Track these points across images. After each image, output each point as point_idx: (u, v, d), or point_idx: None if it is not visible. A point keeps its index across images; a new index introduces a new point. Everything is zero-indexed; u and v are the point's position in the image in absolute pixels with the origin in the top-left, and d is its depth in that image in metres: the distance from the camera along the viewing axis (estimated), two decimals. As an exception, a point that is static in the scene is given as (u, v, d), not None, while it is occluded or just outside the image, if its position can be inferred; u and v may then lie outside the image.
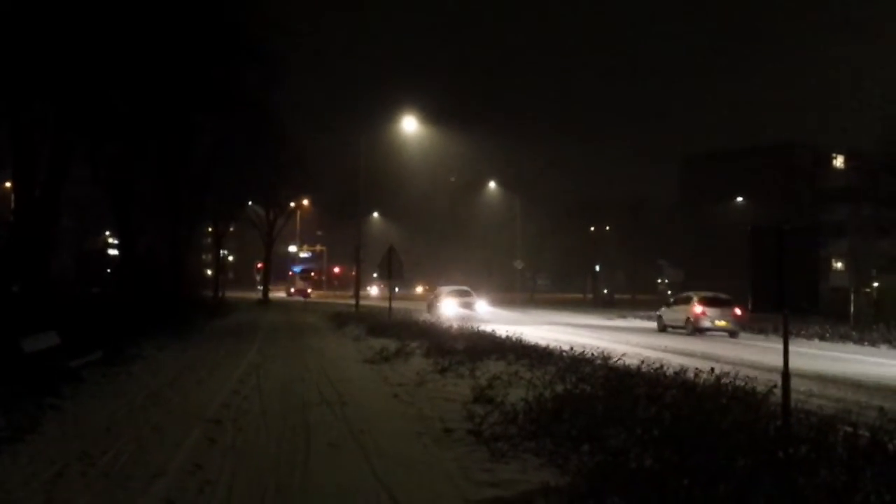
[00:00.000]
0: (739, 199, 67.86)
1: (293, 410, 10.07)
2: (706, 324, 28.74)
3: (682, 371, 10.56)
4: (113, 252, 39.01)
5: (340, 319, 30.32)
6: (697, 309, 29.15)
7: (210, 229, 53.22)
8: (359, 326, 25.37)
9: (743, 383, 9.14)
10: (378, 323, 24.98)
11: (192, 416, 9.58)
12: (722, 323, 28.57)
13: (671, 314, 31.50)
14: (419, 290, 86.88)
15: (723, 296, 29.58)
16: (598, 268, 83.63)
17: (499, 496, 6.15)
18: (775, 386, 8.14)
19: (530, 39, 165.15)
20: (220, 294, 51.21)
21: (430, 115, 62.80)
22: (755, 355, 19.87)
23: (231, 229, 56.61)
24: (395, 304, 29.28)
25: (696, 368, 10.34)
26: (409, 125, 38.46)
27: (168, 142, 28.01)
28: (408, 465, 7.15)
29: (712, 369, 9.97)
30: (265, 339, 22.25)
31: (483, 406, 9.80)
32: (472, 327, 21.61)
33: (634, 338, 26.11)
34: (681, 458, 5.98)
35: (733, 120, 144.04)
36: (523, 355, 14.67)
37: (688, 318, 29.46)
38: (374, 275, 56.68)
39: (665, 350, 20.78)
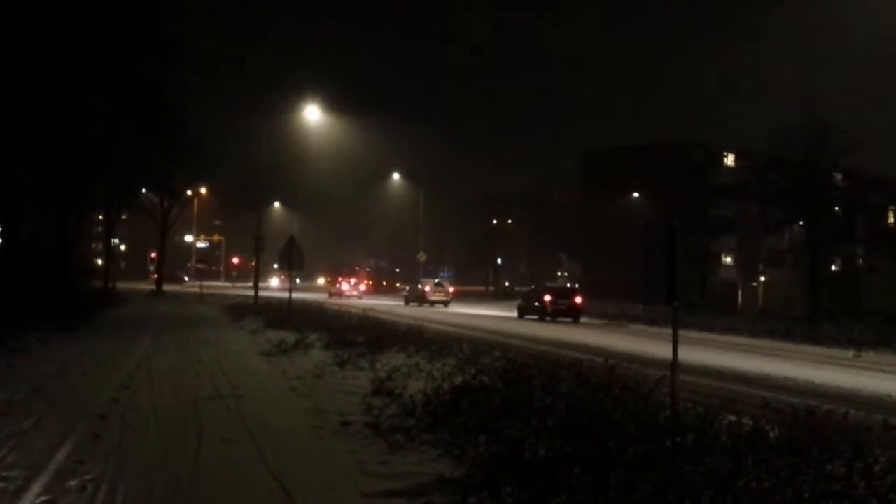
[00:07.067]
0: (636, 194, 69.78)
1: (185, 405, 9.76)
2: (432, 297, 45.17)
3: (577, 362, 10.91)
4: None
5: (238, 311, 29.68)
6: (427, 288, 45.88)
7: (101, 217, 51.09)
8: (257, 318, 24.85)
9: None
10: (277, 315, 24.56)
11: (77, 411, 9.17)
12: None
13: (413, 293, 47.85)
14: (321, 281, 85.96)
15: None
16: (499, 261, 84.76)
17: (394, 489, 6.10)
18: (664, 377, 8.40)
19: (438, 34, 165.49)
20: (112, 285, 49.27)
21: (336, 104, 62.07)
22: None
23: (124, 217, 54.40)
24: (296, 296, 28.90)
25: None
26: (313, 114, 37.82)
27: (56, 124, 26.71)
28: (303, 460, 7.04)
29: (607, 359, 10.38)
30: (158, 332, 21.55)
31: (382, 398, 9.76)
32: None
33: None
34: (573, 448, 6.10)
35: (633, 117, 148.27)
36: (424, 347, 14.69)
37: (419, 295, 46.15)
38: (275, 265, 55.83)
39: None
